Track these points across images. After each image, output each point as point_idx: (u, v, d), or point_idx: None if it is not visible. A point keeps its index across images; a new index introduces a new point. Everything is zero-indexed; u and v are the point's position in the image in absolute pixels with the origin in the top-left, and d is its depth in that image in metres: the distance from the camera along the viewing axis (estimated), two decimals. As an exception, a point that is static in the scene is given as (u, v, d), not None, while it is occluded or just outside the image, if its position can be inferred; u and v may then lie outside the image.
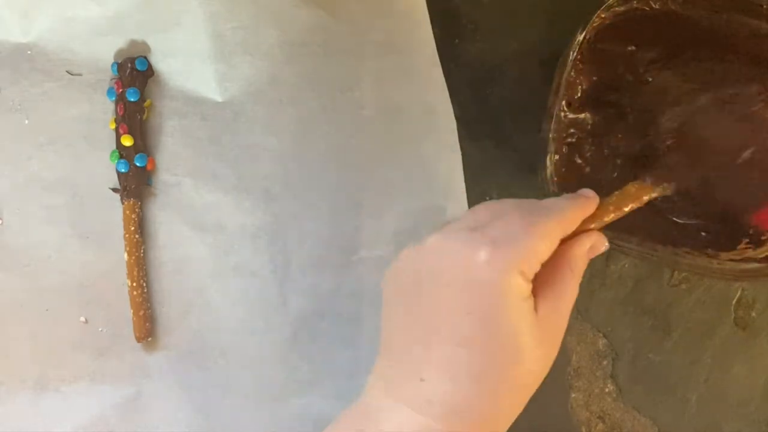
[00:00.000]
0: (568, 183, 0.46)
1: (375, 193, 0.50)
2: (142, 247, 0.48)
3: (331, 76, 0.49)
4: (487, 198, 0.52)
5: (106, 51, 0.49)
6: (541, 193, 0.46)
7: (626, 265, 0.52)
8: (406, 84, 0.50)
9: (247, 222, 0.49)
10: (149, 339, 0.48)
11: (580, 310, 0.52)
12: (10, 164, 0.48)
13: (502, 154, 0.52)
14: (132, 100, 0.48)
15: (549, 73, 0.46)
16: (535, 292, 0.35)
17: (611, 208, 0.39)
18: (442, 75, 0.50)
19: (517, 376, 0.34)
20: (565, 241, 0.36)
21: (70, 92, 0.49)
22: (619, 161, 0.49)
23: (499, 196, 0.52)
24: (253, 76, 0.49)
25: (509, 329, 0.33)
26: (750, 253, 0.45)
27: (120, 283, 0.48)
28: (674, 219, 0.48)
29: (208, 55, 0.48)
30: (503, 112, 0.52)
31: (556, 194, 0.45)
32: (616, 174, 0.49)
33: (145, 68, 0.48)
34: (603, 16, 0.45)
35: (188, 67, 0.49)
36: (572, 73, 0.47)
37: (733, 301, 0.53)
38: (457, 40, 0.51)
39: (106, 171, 0.49)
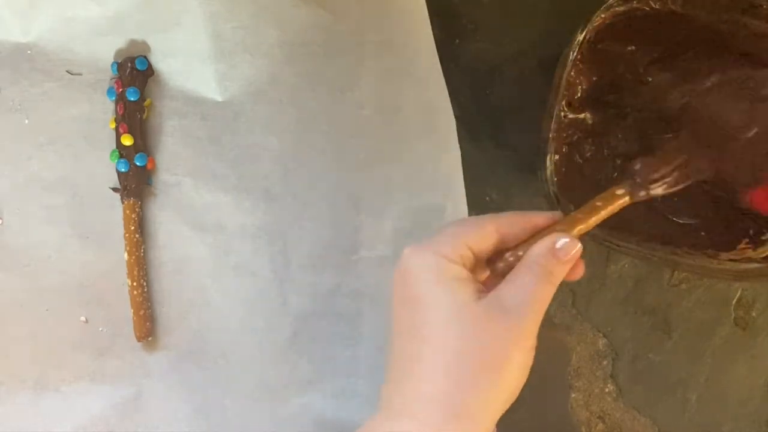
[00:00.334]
0: (568, 183, 0.46)
1: (374, 193, 0.50)
2: (142, 247, 0.48)
3: (331, 76, 0.49)
4: (487, 198, 0.52)
5: (106, 51, 0.49)
6: (541, 193, 0.46)
7: (626, 265, 0.52)
8: (406, 84, 0.50)
9: (247, 222, 0.49)
10: (149, 339, 0.48)
11: (580, 310, 0.52)
12: (10, 164, 0.48)
13: (502, 154, 0.52)
14: (132, 99, 0.48)
15: (549, 73, 0.46)
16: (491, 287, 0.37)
17: (590, 211, 0.39)
18: (442, 75, 0.50)
19: (434, 351, 0.35)
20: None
21: (70, 92, 0.49)
22: (619, 161, 0.49)
23: (499, 196, 0.52)
24: (253, 76, 0.49)
25: (431, 309, 0.35)
26: (750, 253, 0.45)
27: (120, 282, 0.48)
28: (674, 219, 0.48)
29: (208, 55, 0.48)
30: (503, 112, 0.52)
31: (556, 194, 0.45)
32: (616, 174, 0.49)
33: (145, 68, 0.48)
34: (603, 16, 0.45)
35: (188, 67, 0.49)
36: (572, 73, 0.47)
37: (733, 301, 0.53)
38: (457, 40, 0.51)
39: (106, 171, 0.49)
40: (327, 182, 0.50)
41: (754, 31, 0.46)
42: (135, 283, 0.48)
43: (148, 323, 0.48)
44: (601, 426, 0.53)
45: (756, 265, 0.44)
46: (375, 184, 0.50)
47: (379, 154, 0.50)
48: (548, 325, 0.52)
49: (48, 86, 0.48)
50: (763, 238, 0.46)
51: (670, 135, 0.47)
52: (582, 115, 0.49)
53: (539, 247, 0.37)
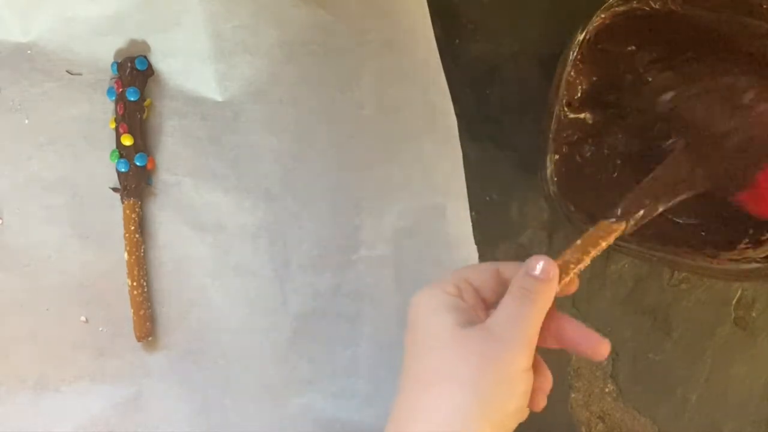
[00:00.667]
0: (568, 183, 0.46)
1: (375, 193, 0.50)
2: (142, 247, 0.48)
3: (331, 76, 0.49)
4: (487, 198, 0.52)
5: (106, 51, 0.49)
6: (541, 193, 0.46)
7: (626, 265, 0.52)
8: (406, 84, 0.50)
9: (247, 222, 0.49)
10: (149, 338, 0.48)
11: (580, 310, 0.52)
12: (10, 164, 0.48)
13: (502, 153, 0.52)
14: (132, 99, 0.48)
15: (549, 73, 0.46)
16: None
17: (580, 248, 0.39)
18: (443, 75, 0.50)
19: (425, 369, 0.37)
20: None
21: (70, 92, 0.49)
22: (619, 161, 0.49)
23: (499, 196, 0.52)
24: (253, 76, 0.49)
25: (424, 333, 0.38)
26: (750, 253, 0.45)
27: (120, 282, 0.48)
28: (674, 219, 0.48)
29: (208, 54, 0.48)
30: (503, 112, 0.52)
31: (556, 194, 0.45)
32: (616, 174, 0.49)
33: (145, 68, 0.48)
34: (603, 16, 0.45)
35: (188, 67, 0.49)
36: (572, 73, 0.47)
37: (733, 301, 0.53)
38: (457, 40, 0.51)
39: (106, 171, 0.49)
40: (327, 182, 0.50)
41: (754, 31, 0.46)
42: (135, 283, 0.48)
43: (148, 323, 0.48)
44: (601, 426, 0.53)
45: (756, 265, 0.44)
46: (375, 184, 0.50)
47: (379, 154, 0.50)
48: (548, 325, 0.52)
49: (48, 86, 0.48)
50: (763, 238, 0.46)
51: (671, 141, 0.47)
52: (582, 115, 0.49)
53: (518, 272, 0.38)
